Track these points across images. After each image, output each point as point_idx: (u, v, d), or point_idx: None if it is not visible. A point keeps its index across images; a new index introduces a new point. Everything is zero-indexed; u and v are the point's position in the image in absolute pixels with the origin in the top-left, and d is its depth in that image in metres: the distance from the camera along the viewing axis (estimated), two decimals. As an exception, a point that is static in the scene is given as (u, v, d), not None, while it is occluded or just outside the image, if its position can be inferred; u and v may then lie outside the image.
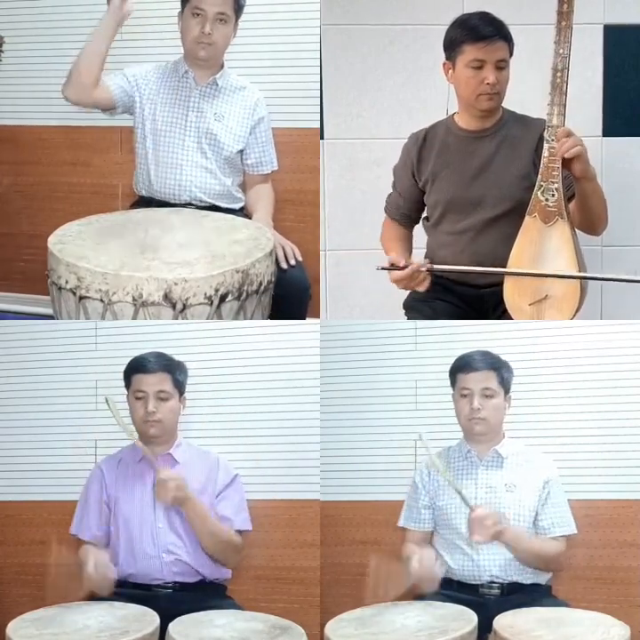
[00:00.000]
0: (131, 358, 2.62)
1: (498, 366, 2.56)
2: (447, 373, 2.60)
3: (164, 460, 2.60)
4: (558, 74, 2.50)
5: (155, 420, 2.55)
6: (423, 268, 2.64)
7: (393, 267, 2.65)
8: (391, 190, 2.94)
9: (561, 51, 2.49)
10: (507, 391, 2.57)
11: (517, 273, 2.58)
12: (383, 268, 2.66)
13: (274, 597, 2.89)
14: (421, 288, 2.67)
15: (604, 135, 3.27)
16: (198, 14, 2.85)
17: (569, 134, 2.50)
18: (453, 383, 2.59)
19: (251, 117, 3.01)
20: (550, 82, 2.50)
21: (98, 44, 2.86)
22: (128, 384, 2.59)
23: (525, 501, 2.53)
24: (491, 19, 2.64)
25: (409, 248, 2.93)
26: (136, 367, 2.58)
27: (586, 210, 2.60)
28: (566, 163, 2.51)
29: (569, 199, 2.59)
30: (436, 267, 2.66)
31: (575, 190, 2.58)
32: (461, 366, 2.57)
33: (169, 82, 3.00)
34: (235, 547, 2.60)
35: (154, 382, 2.56)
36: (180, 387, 2.60)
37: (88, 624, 2.25)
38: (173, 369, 2.60)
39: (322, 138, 3.33)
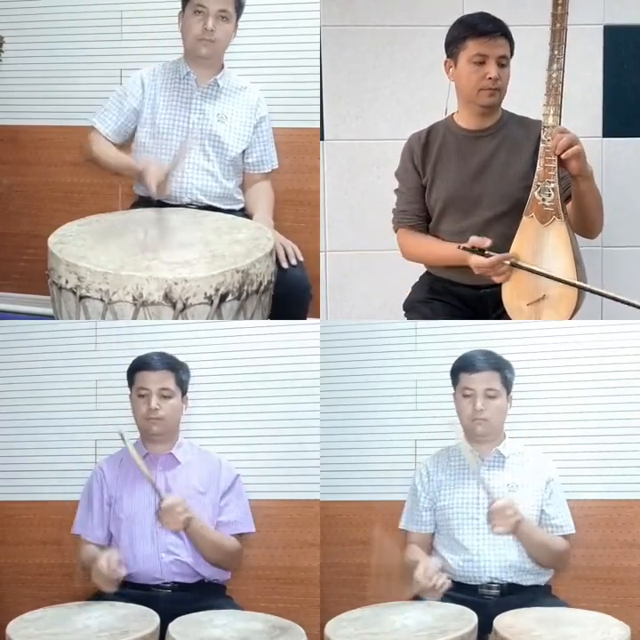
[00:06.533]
0: (131, 358, 2.63)
1: (501, 367, 2.56)
2: (447, 373, 2.60)
3: (166, 460, 2.61)
4: (554, 75, 2.50)
5: (157, 418, 2.55)
6: (507, 262, 2.59)
7: (473, 249, 2.60)
8: (395, 202, 2.88)
9: (556, 52, 2.49)
10: (508, 391, 2.57)
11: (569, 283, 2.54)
12: (464, 248, 2.59)
13: (274, 597, 2.89)
14: (500, 279, 2.61)
15: (604, 136, 3.27)
16: (200, 11, 2.85)
17: (564, 132, 2.49)
18: (455, 383, 2.58)
19: (253, 117, 3.01)
20: (546, 83, 2.51)
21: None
22: (131, 382, 2.60)
23: (527, 501, 2.53)
24: (492, 17, 2.69)
25: None
26: (140, 365, 2.59)
27: (581, 210, 2.59)
28: (563, 160, 2.51)
29: (566, 200, 2.59)
30: (519, 262, 2.58)
31: (572, 190, 2.58)
32: (464, 366, 2.56)
33: (169, 83, 2.98)
34: (236, 553, 2.60)
35: (157, 380, 2.57)
36: (182, 386, 2.61)
37: (88, 624, 2.25)
38: (177, 368, 2.60)
39: (322, 139, 3.34)
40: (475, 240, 2.60)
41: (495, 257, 2.58)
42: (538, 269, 2.57)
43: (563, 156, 2.49)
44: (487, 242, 2.59)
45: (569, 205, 2.60)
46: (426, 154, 2.80)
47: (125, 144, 3.01)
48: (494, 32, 2.64)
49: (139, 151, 3.01)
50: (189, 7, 2.87)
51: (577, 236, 2.61)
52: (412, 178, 2.83)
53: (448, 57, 2.72)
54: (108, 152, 2.95)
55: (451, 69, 2.71)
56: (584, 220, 2.62)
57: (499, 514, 2.40)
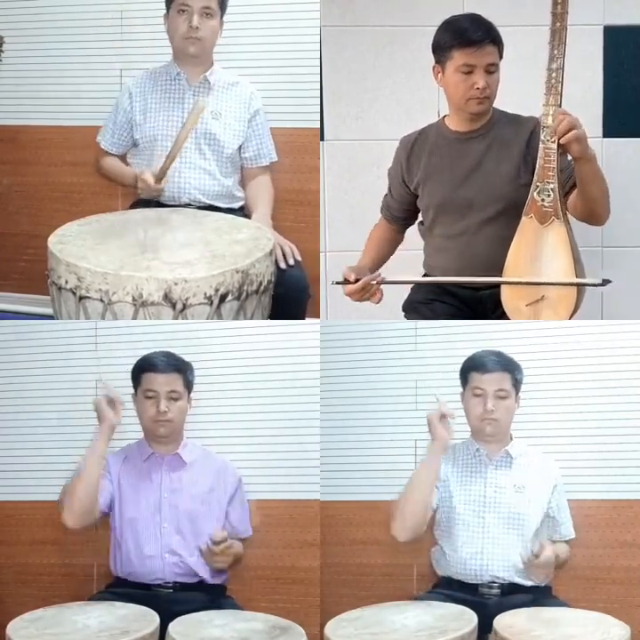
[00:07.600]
0: (131, 358, 2.63)
1: (512, 368, 2.56)
2: (447, 373, 2.61)
3: (171, 460, 2.60)
4: (553, 74, 2.49)
5: (166, 420, 2.55)
6: (374, 282, 2.62)
7: (346, 281, 2.65)
8: (387, 191, 2.94)
9: (555, 52, 2.48)
10: (517, 392, 2.58)
11: (475, 282, 2.62)
12: (337, 283, 2.67)
13: (274, 597, 2.89)
14: (374, 300, 2.65)
15: (604, 136, 3.27)
16: (184, 11, 2.87)
17: (565, 114, 2.46)
18: (465, 382, 2.58)
19: (247, 111, 3.02)
20: (545, 82, 2.50)
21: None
22: (137, 383, 2.58)
23: (534, 502, 2.53)
24: (480, 22, 2.61)
25: (389, 249, 2.94)
26: (147, 366, 2.58)
27: (586, 195, 2.54)
28: (564, 143, 2.49)
29: (571, 189, 2.57)
30: (387, 280, 2.65)
31: (575, 175, 2.54)
32: (476, 366, 2.56)
33: (160, 86, 3.00)
34: (241, 556, 2.63)
35: (166, 382, 2.56)
36: (189, 387, 2.61)
37: (88, 624, 2.25)
38: (184, 369, 2.60)
39: (322, 139, 3.34)
40: (345, 273, 2.65)
41: (362, 280, 2.62)
42: (414, 279, 2.70)
43: (562, 141, 2.46)
44: (352, 276, 2.63)
45: (573, 195, 2.57)
46: (412, 160, 2.79)
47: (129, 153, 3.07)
48: (482, 41, 2.57)
49: (137, 156, 3.02)
50: (173, 7, 2.89)
51: (576, 236, 2.60)
52: (397, 185, 2.87)
53: (436, 62, 2.66)
54: (113, 166, 3.08)
55: (439, 75, 2.67)
56: (590, 206, 2.58)
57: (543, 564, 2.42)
